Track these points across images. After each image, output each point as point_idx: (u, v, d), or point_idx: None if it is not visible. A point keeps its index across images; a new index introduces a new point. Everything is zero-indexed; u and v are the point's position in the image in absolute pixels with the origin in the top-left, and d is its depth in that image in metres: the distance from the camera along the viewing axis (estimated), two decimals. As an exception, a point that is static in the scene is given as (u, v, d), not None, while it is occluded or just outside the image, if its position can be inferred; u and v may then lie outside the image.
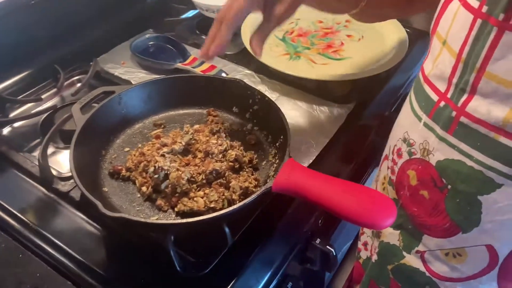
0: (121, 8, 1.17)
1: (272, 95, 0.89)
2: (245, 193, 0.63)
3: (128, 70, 0.98)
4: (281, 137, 0.69)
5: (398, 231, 0.66)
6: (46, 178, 0.72)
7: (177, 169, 0.64)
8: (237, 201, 0.61)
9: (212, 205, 0.60)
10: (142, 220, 0.54)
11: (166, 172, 0.63)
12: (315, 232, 0.70)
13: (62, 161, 0.79)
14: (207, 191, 0.63)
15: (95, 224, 0.66)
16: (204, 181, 0.64)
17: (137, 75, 0.96)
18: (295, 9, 0.63)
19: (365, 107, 0.89)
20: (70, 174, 0.76)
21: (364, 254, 0.77)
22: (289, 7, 0.61)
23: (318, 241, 0.69)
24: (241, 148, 0.70)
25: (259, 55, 0.63)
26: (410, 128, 0.61)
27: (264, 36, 0.63)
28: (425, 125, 0.57)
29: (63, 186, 0.72)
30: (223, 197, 0.62)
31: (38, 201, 0.71)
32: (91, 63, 0.97)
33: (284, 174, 0.59)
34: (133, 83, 0.93)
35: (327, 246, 0.68)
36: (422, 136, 0.58)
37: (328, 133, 0.82)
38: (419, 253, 0.64)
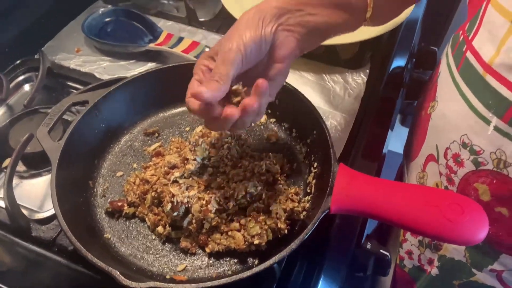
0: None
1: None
2: (290, 215, 0.51)
3: (87, 59, 0.78)
4: (314, 131, 0.56)
5: (464, 247, 0.58)
6: (19, 224, 0.56)
7: (198, 198, 0.50)
8: (285, 230, 0.49)
9: (256, 241, 0.48)
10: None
11: (186, 206, 0.49)
12: (360, 233, 0.60)
13: (31, 194, 0.62)
14: (242, 221, 0.50)
15: (99, 278, 0.51)
16: (236, 208, 0.50)
17: (100, 65, 0.77)
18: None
19: (383, 68, 0.76)
20: (48, 212, 0.60)
21: (409, 263, 0.69)
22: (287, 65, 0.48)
23: (369, 245, 0.59)
24: (270, 154, 0.56)
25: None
26: (471, 131, 0.49)
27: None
28: (498, 130, 0.46)
29: (46, 232, 0.56)
30: (266, 227, 0.49)
31: (16, 259, 0.55)
32: (35, 56, 0.77)
33: (342, 189, 0.47)
34: (97, 76, 0.75)
35: (381, 250, 0.58)
36: (493, 143, 0.47)
37: (351, 109, 0.69)
38: (494, 272, 0.56)
